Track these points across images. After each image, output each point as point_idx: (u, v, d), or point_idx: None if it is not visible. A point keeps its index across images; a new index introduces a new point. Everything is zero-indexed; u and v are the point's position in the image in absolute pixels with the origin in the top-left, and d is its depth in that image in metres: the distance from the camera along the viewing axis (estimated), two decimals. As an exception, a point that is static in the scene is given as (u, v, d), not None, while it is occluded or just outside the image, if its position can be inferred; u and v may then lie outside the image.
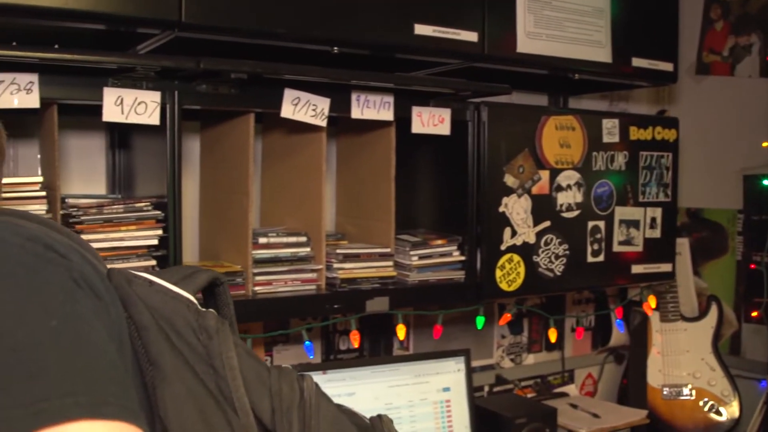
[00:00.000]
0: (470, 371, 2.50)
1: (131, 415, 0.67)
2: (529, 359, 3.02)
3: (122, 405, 0.67)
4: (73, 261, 0.77)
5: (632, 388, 3.04)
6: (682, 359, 3.00)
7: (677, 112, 3.37)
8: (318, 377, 2.24)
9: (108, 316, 0.78)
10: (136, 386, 0.80)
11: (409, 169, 2.39)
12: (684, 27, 3.21)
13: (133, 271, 0.89)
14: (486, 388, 2.89)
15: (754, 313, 3.19)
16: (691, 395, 2.98)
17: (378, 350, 2.62)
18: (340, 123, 2.39)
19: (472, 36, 2.12)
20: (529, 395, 2.95)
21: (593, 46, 2.38)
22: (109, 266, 0.87)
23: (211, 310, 0.89)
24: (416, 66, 2.20)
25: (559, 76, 2.44)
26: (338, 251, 2.10)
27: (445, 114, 2.17)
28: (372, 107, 2.06)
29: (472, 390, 2.51)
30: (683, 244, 3.24)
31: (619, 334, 3.15)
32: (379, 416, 0.95)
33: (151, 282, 0.88)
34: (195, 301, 0.90)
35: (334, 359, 2.54)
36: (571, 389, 3.07)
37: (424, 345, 2.68)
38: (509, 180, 2.25)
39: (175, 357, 0.83)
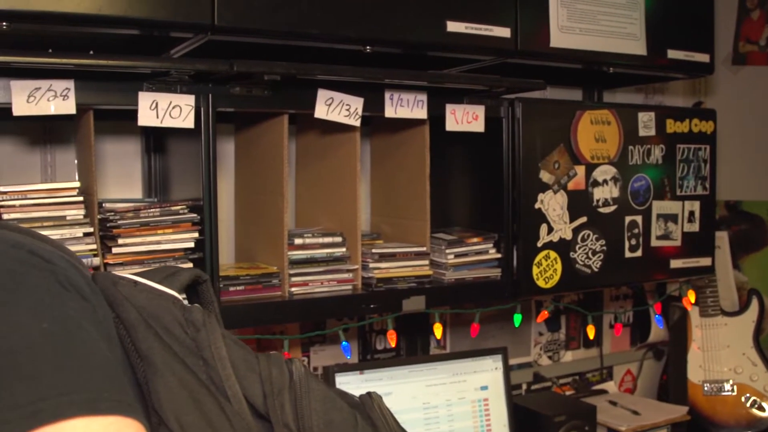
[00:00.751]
0: (507, 369, 2.48)
1: (128, 409, 0.69)
2: (567, 356, 3.00)
3: (118, 400, 0.69)
4: (57, 265, 0.79)
5: (672, 385, 3.01)
6: (723, 354, 2.96)
7: (714, 103, 3.32)
8: (355, 377, 2.25)
9: (95, 316, 0.80)
10: (129, 383, 0.82)
11: (443, 167, 2.38)
12: (720, 17, 3.17)
13: (117, 273, 0.92)
14: (524, 386, 2.87)
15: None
16: (732, 391, 2.94)
17: (415, 350, 2.61)
18: (374, 122, 2.39)
19: (504, 32, 2.10)
20: (567, 393, 2.93)
21: (627, 39, 2.35)
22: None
23: (196, 305, 0.92)
24: (449, 63, 2.18)
25: (594, 70, 2.42)
26: (374, 251, 2.09)
27: (479, 111, 2.16)
28: (406, 106, 2.05)
29: (510, 388, 2.49)
30: (722, 238, 3.20)
31: (658, 330, 3.12)
32: (369, 394, 0.96)
33: (135, 282, 0.91)
34: (180, 297, 0.92)
35: (371, 359, 2.54)
36: (610, 386, 3.04)
37: (461, 344, 2.67)
38: (545, 176, 2.24)
39: (165, 351, 0.86)
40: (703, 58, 2.56)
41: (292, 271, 1.98)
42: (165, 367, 0.84)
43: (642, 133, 2.44)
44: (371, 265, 2.07)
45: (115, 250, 1.77)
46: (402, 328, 2.54)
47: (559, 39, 2.21)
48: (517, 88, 2.18)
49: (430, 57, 2.09)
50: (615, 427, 2.62)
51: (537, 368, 2.90)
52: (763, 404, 2.93)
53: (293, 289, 1.98)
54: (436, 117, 2.13)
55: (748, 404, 2.94)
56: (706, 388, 2.96)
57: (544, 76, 2.26)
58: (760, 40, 3.33)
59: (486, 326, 2.69)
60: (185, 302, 0.94)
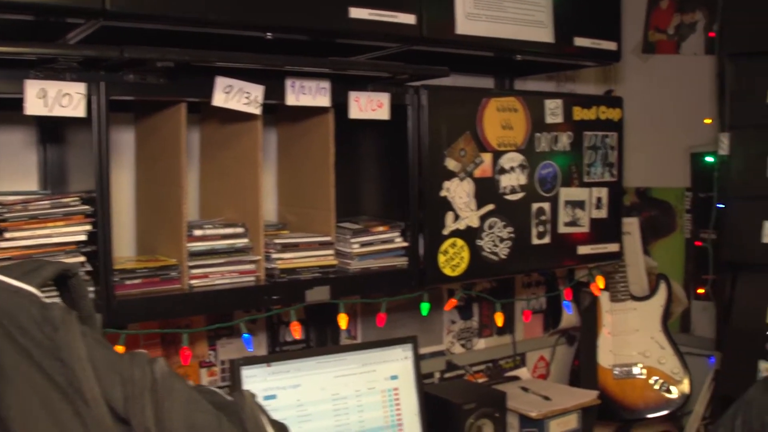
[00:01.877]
0: (418, 358, 2.47)
1: None
2: (480, 344, 3.00)
3: None
4: None
5: (583, 369, 3.04)
6: (632, 339, 3.01)
7: (624, 91, 3.36)
8: (261, 370, 2.22)
9: None
10: None
11: (352, 155, 2.36)
12: (630, 6, 3.21)
13: None
14: (437, 375, 2.87)
15: (700, 290, 3.20)
16: (641, 374, 2.99)
17: (325, 340, 2.58)
18: (280, 111, 2.34)
19: (409, 18, 2.09)
20: (480, 380, 2.93)
21: (535, 26, 2.35)
22: None
23: (56, 301, 0.87)
24: (355, 51, 2.16)
25: (503, 58, 2.42)
26: (276, 241, 2.06)
27: (384, 98, 2.13)
28: (308, 93, 2.02)
29: (421, 377, 2.48)
30: (633, 224, 3.24)
31: (570, 316, 3.15)
32: (242, 392, 0.93)
33: None
34: (39, 293, 0.87)
35: (279, 351, 2.50)
36: (523, 372, 3.05)
37: (373, 334, 2.64)
38: (450, 164, 2.22)
39: (19, 354, 0.81)
40: (611, 46, 2.58)
41: (191, 263, 1.93)
42: (14, 372, 0.80)
43: (549, 120, 2.44)
44: (274, 256, 2.04)
45: (1, 244, 1.70)
46: (312, 319, 2.52)
47: (465, 26, 2.20)
48: (421, 75, 2.17)
49: (336, 44, 2.07)
50: (525, 412, 2.63)
51: (450, 356, 2.90)
52: (671, 387, 2.98)
53: (193, 281, 1.93)
54: (342, 105, 2.10)
55: (656, 387, 2.99)
56: (616, 372, 3.00)
57: (454, 64, 2.25)
58: (668, 29, 3.37)
59: (398, 315, 2.68)
60: (47, 298, 0.90)
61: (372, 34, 2.04)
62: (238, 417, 0.88)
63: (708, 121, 3.06)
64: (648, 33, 3.41)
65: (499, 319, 2.62)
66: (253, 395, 0.93)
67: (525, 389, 2.84)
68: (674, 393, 2.98)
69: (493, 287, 2.95)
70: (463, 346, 2.95)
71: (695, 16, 3.29)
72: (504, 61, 2.49)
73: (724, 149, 2.67)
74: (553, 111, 2.45)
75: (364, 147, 2.39)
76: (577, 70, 3.25)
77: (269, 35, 1.90)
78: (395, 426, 2.41)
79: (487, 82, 2.91)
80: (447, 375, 2.89)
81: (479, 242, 2.29)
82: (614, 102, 2.64)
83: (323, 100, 2.04)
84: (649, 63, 3.41)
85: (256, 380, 2.21)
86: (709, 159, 3.05)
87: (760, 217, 2.56)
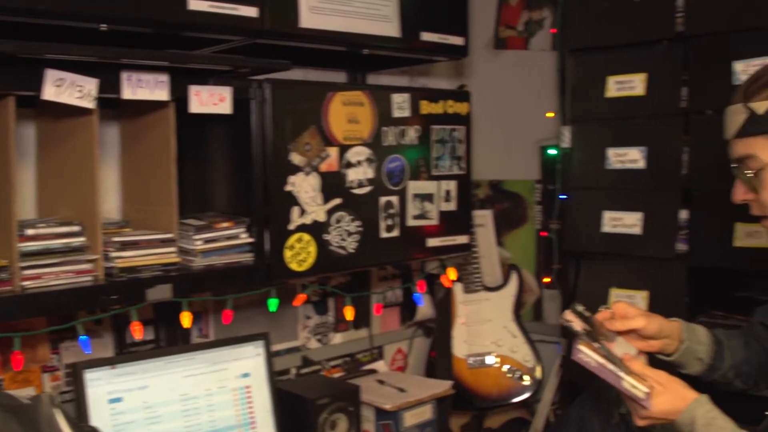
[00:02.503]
0: (270, 355, 2.46)
1: None
2: (337, 339, 3.00)
3: None
4: None
5: (438, 360, 3.08)
6: (485, 328, 3.07)
7: (477, 86, 3.42)
8: (106, 373, 2.16)
9: None
10: None
11: (200, 150, 2.32)
12: (480, 2, 3.28)
13: None
14: (293, 371, 2.85)
15: (546, 279, 3.30)
16: (495, 363, 3.06)
17: (176, 340, 2.53)
18: (123, 105, 2.27)
19: (251, 11, 2.07)
20: (337, 375, 2.94)
21: (381, 20, 2.37)
22: None
23: None
24: (200, 44, 2.12)
25: (353, 52, 2.42)
26: (115, 239, 1.99)
27: (226, 92, 2.10)
28: (146, 87, 1.96)
29: (273, 374, 2.46)
30: (486, 216, 3.31)
31: (425, 308, 3.18)
32: (39, 395, 0.90)
33: None
34: None
35: (126, 353, 2.43)
36: (380, 365, 3.07)
37: (226, 332, 2.60)
38: (296, 158, 2.21)
39: None
40: (458, 41, 2.62)
41: (23, 264, 1.85)
42: None
43: (396, 114, 2.46)
44: (113, 255, 1.98)
45: None
46: (162, 318, 2.46)
47: (309, 20, 2.19)
48: (262, 69, 2.14)
49: (178, 37, 2.02)
50: (380, 405, 2.65)
51: (306, 352, 2.89)
52: (524, 375, 3.06)
53: (25, 282, 1.85)
54: (183, 99, 2.05)
55: (509, 375, 3.06)
56: (470, 362, 3.05)
57: (303, 58, 2.24)
58: (518, 25, 3.45)
59: (252, 312, 2.64)
60: None
61: (212, 26, 2.01)
62: (30, 419, 0.85)
63: (550, 114, 3.16)
64: (498, 29, 3.49)
65: (349, 313, 2.62)
66: (52, 397, 0.89)
67: (381, 382, 2.87)
68: (527, 380, 3.06)
69: (348, 281, 2.96)
70: (319, 341, 2.94)
71: (543, 13, 3.38)
72: (354, 56, 2.49)
73: (565, 142, 2.75)
74: (401, 105, 2.47)
75: (211, 142, 2.35)
76: (429, 65, 3.29)
77: (104, 27, 1.84)
78: (248, 424, 2.38)
79: (340, 77, 2.91)
80: (303, 371, 2.87)
81: (326, 237, 2.29)
82: (462, 96, 2.68)
83: (162, 93, 1.99)
84: (500, 58, 3.49)
85: (100, 383, 2.15)
86: (552, 152, 3.14)
87: (599, 207, 2.65)
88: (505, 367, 3.05)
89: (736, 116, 1.64)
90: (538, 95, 3.27)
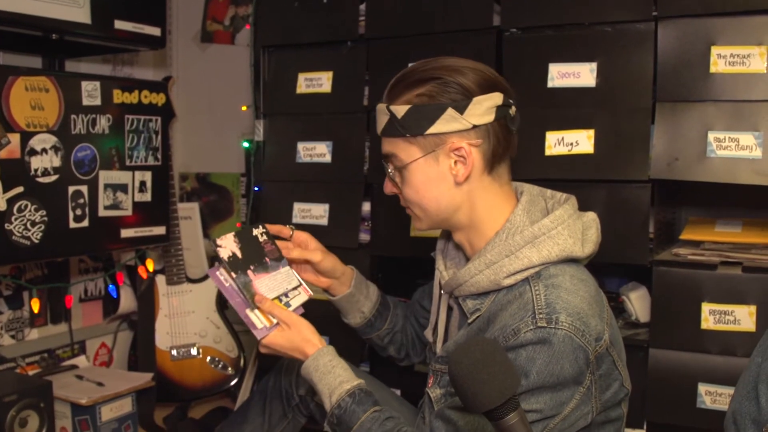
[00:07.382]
0: (-52, 352, 2.33)
1: None
2: (33, 334, 2.89)
3: None
4: None
5: (141, 353, 3.05)
6: (189, 320, 3.07)
7: (184, 78, 3.44)
8: None
9: None
10: None
11: None
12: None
13: None
14: (-17, 370, 2.72)
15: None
16: (198, 354, 3.07)
17: None
18: None
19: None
20: (33, 372, 2.83)
21: (70, 5, 2.32)
22: None
23: None
24: None
25: (47, 37, 2.35)
26: None
27: None
28: None
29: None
30: (193, 209, 3.32)
31: (130, 301, 3.14)
32: None
33: None
34: None
35: None
36: (81, 361, 3.00)
37: None
38: (-29, 145, 2.12)
39: None
40: (155, 31, 2.62)
41: None
42: None
43: (86, 102, 2.42)
44: None
45: None
46: None
47: (-4, 1, 2.11)
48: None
49: None
50: (75, 400, 2.59)
51: (-2, 349, 2.77)
52: (227, 364, 3.10)
53: None
54: None
55: (213, 365, 3.08)
56: (173, 354, 3.05)
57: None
58: (224, 20, 3.49)
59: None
60: None
61: None
62: None
63: (244, 108, 3.22)
64: (206, 23, 3.51)
65: (36, 306, 2.54)
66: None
67: (80, 377, 2.80)
68: (230, 370, 3.09)
69: (46, 274, 2.85)
70: (13, 337, 2.82)
71: (248, 9, 3.43)
72: (50, 41, 2.42)
73: (259, 135, 2.81)
74: (91, 93, 2.43)
75: None
76: (135, 54, 3.25)
77: None
78: None
79: (35, 62, 2.80)
80: (-5, 369, 2.75)
81: (8, 226, 2.21)
82: (158, 87, 2.68)
83: None
84: (208, 52, 3.51)
85: None
86: (245, 144, 3.21)
87: (290, 199, 2.72)
88: (209, 358, 3.08)
89: (381, 116, 1.66)
90: (239, 90, 3.31)
